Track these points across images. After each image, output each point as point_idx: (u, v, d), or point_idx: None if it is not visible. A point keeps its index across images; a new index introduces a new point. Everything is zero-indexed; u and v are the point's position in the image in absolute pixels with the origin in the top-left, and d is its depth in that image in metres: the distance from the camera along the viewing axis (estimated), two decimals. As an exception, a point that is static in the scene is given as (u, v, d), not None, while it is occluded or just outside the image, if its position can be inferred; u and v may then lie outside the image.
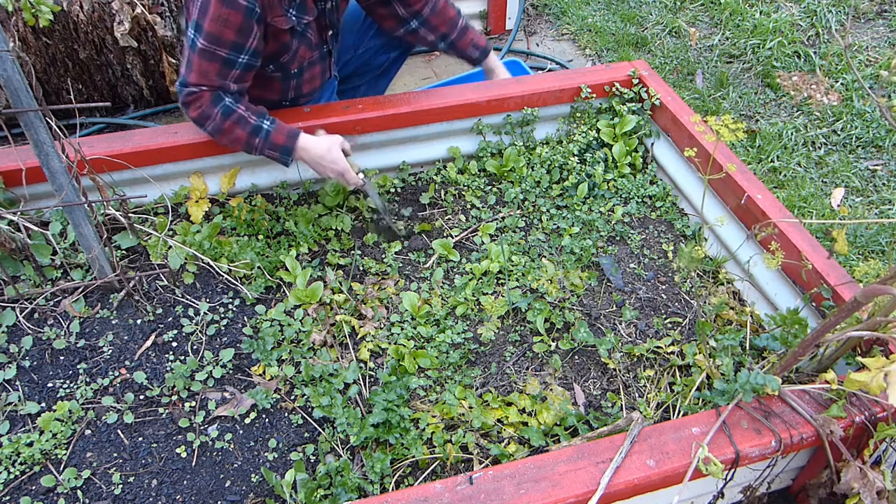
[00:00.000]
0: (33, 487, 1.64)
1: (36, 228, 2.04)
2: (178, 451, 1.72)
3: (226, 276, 2.07)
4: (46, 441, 1.70)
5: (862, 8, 3.93)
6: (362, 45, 2.34)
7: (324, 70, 2.26)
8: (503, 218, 2.34)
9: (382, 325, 2.00)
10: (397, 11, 2.18)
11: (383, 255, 2.22)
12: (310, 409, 1.80)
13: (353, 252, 2.20)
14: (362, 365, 1.91)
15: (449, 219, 2.36)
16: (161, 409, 1.80)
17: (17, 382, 1.83)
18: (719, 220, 2.00)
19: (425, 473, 1.68)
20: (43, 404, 1.79)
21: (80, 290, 2.01)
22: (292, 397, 1.83)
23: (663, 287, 2.14)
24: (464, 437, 1.72)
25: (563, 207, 2.38)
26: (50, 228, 2.12)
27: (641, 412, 1.76)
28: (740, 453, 1.46)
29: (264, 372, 1.88)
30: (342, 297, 2.05)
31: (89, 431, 1.75)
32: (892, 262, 2.55)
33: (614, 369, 1.90)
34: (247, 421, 1.78)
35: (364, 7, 2.27)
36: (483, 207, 2.38)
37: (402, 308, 2.03)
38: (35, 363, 1.87)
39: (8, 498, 1.61)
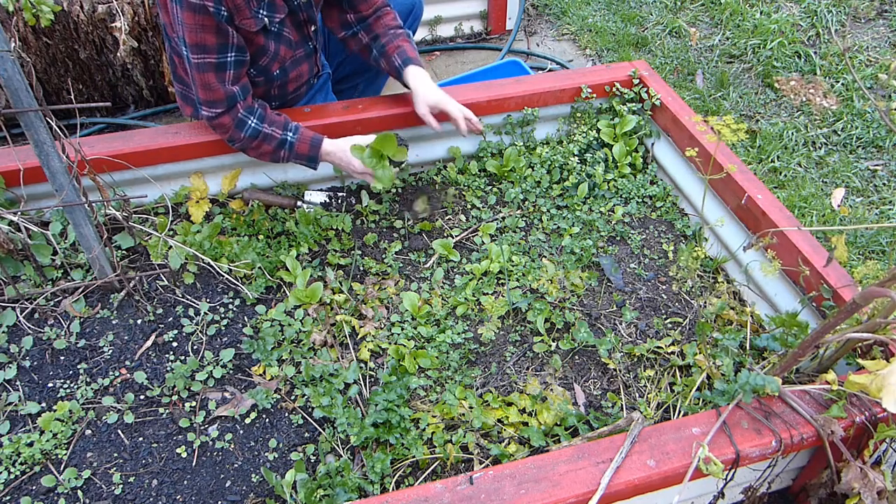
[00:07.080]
0: (34, 487, 1.64)
1: (36, 228, 2.04)
2: (178, 451, 1.72)
3: (226, 276, 2.07)
4: (47, 441, 1.70)
5: (862, 8, 3.93)
6: None
7: (311, 66, 2.25)
8: (503, 218, 2.34)
9: (383, 325, 2.00)
10: (346, 18, 2.21)
11: (383, 255, 2.22)
12: (310, 409, 1.80)
13: (353, 252, 2.20)
14: (362, 365, 1.91)
15: (449, 219, 2.36)
16: (161, 409, 1.80)
17: (18, 382, 1.83)
18: (719, 221, 2.00)
19: (425, 473, 1.68)
20: (43, 404, 1.79)
21: (80, 290, 2.01)
22: (292, 397, 1.83)
23: (663, 287, 2.14)
24: (464, 437, 1.72)
25: (564, 207, 2.38)
26: (50, 228, 2.12)
27: (642, 412, 1.76)
28: (741, 453, 1.46)
29: (264, 372, 1.88)
30: (342, 297, 2.05)
31: (90, 431, 1.75)
32: (892, 263, 2.55)
33: (614, 369, 1.90)
34: (247, 421, 1.78)
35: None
36: (483, 207, 2.38)
37: (403, 308, 2.03)
38: (35, 363, 1.87)
39: (8, 498, 1.62)
